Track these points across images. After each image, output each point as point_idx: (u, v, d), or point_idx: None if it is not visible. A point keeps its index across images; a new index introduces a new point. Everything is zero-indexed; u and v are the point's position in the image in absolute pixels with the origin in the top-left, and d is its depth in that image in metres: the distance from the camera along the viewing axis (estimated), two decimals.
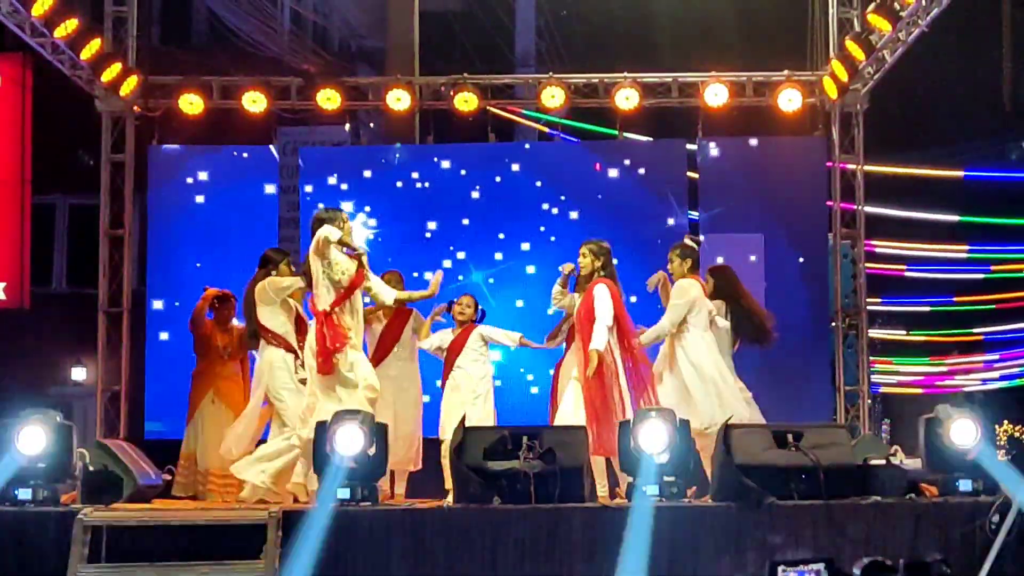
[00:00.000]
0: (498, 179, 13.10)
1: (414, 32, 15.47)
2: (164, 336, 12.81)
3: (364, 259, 9.00)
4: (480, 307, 10.31)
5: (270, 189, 13.21)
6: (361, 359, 8.91)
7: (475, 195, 13.07)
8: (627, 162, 13.09)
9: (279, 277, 9.55)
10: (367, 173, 13.18)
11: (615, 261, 9.49)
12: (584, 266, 9.24)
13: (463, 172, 13.14)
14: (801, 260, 12.85)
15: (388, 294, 9.39)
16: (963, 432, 7.78)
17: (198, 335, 10.79)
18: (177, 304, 12.66)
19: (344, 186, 13.14)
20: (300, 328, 9.44)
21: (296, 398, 9.18)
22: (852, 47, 12.12)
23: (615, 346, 8.98)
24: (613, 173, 13.04)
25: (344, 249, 8.91)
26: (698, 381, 9.25)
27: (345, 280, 8.83)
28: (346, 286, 8.83)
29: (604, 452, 8.71)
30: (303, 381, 9.11)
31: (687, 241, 9.91)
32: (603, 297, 8.94)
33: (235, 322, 10.82)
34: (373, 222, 13.02)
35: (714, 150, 13.08)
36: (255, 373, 9.56)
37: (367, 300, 9.34)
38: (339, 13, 20.71)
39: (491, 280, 12.87)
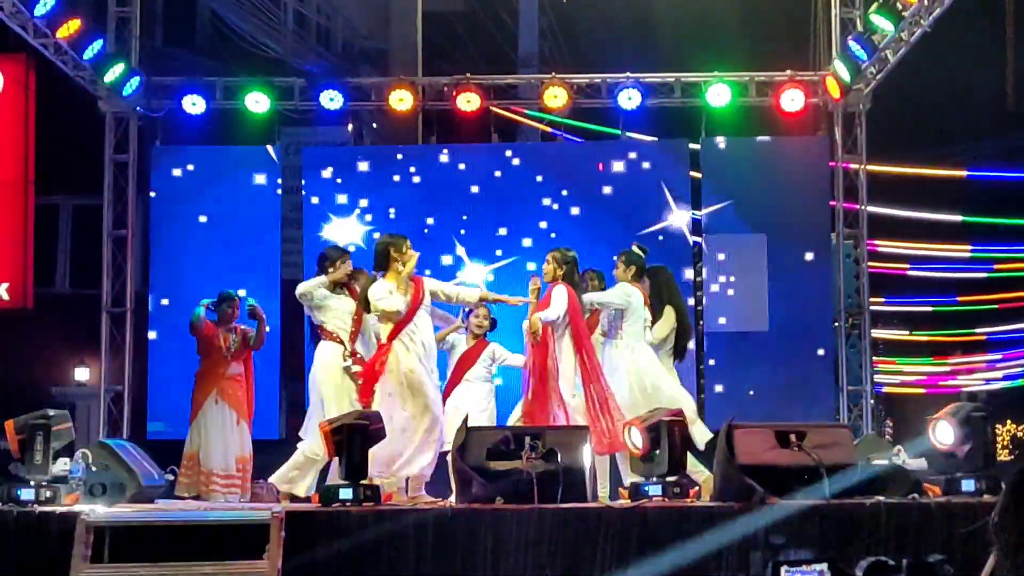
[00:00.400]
0: (498, 174, 13.10)
1: (417, 33, 15.48)
2: (167, 336, 12.80)
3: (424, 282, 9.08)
4: (493, 318, 10.26)
5: (273, 189, 13.21)
6: (391, 394, 8.87)
7: (474, 190, 13.07)
8: (630, 159, 13.10)
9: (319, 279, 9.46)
10: (369, 172, 13.18)
11: (634, 261, 9.56)
12: (547, 272, 9.31)
13: (462, 166, 13.14)
14: (804, 260, 12.85)
15: (471, 294, 9.42)
16: (944, 433, 7.86)
17: (200, 337, 10.78)
18: (176, 304, 12.66)
19: (345, 184, 13.15)
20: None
21: (339, 394, 9.14)
22: (855, 47, 12.12)
23: (568, 352, 9.04)
24: (615, 170, 13.05)
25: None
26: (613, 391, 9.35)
27: (404, 310, 8.88)
28: (405, 315, 8.87)
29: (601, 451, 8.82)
30: (347, 370, 9.12)
31: (634, 248, 9.90)
32: (559, 296, 9.04)
33: (238, 322, 10.83)
34: (369, 217, 13.02)
35: (717, 150, 13.07)
36: (312, 367, 9.50)
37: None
38: (342, 14, 20.71)
39: (490, 277, 12.86)
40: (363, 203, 13.08)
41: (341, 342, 9.27)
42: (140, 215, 13.58)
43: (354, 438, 7.77)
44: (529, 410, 9.11)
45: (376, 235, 12.56)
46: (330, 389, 9.15)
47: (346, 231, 12.95)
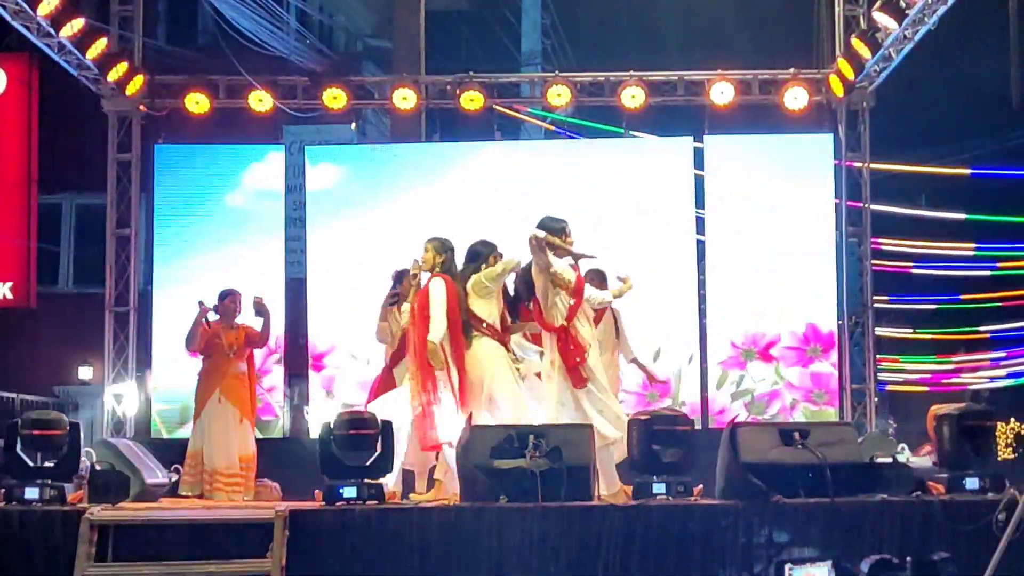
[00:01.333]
0: (500, 170, 13.07)
1: (420, 31, 15.47)
2: (170, 335, 12.78)
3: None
4: None
5: (276, 188, 13.22)
6: (598, 368, 8.85)
7: (476, 186, 13.03)
8: (633, 157, 13.09)
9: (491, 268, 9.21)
10: (372, 171, 13.18)
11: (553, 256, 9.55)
12: (426, 260, 9.21)
13: (463, 163, 13.11)
14: (807, 258, 12.82)
15: (604, 294, 9.37)
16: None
17: (202, 344, 10.68)
18: (180, 303, 12.64)
19: (350, 184, 13.15)
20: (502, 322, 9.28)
21: (514, 387, 8.95)
22: (858, 45, 12.11)
23: (446, 344, 8.98)
24: (618, 168, 13.03)
25: (566, 258, 8.87)
26: None
27: (570, 289, 8.79)
28: (573, 296, 8.79)
29: (431, 447, 8.77)
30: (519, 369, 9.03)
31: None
32: (438, 292, 8.94)
33: (240, 320, 10.81)
34: (369, 213, 12.97)
35: (720, 148, 13.05)
36: (468, 362, 9.17)
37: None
38: (345, 12, 20.71)
39: None
40: (364, 200, 13.05)
41: (503, 340, 9.04)
42: (143, 214, 13.59)
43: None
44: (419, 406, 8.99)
45: (382, 236, 12.60)
46: (511, 384, 8.95)
47: (348, 228, 12.95)
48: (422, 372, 8.83)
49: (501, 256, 9.20)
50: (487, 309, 9.06)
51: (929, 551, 7.10)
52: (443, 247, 9.20)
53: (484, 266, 9.18)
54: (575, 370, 8.66)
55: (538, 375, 9.17)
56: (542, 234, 8.80)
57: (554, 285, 8.81)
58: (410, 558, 7.28)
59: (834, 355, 12.75)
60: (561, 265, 8.86)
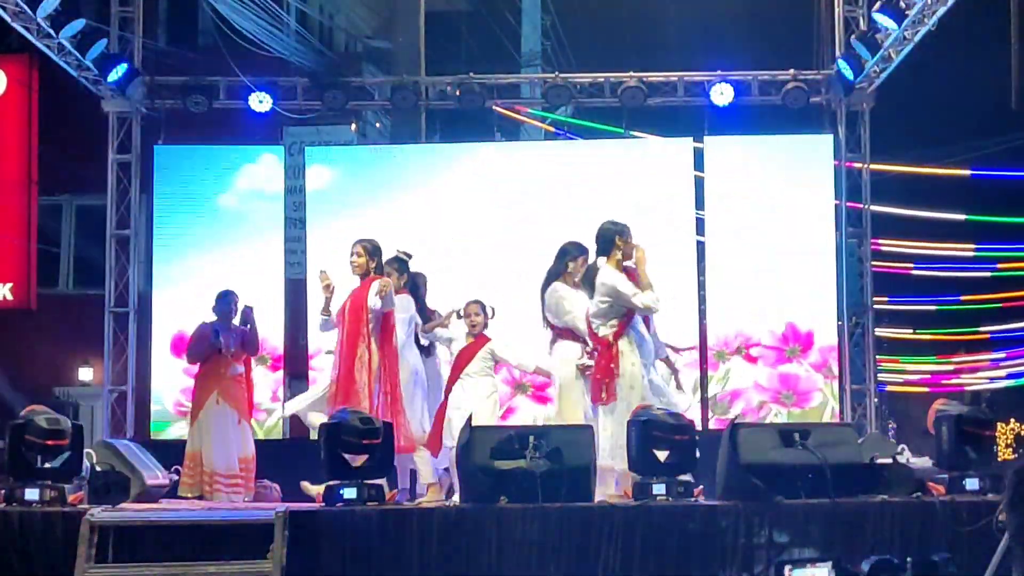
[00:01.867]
0: (500, 171, 13.06)
1: (420, 32, 15.48)
2: (169, 336, 12.79)
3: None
4: (491, 307, 9.86)
5: (276, 189, 13.22)
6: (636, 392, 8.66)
7: (477, 187, 13.02)
8: (632, 158, 13.09)
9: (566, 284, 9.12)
10: (372, 171, 13.18)
11: (405, 269, 9.64)
12: (359, 265, 9.25)
13: (463, 164, 13.11)
14: (807, 259, 12.82)
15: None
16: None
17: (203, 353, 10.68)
18: (179, 304, 12.64)
19: (350, 185, 13.15)
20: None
21: (579, 394, 8.91)
22: (858, 46, 12.12)
23: (375, 344, 8.99)
24: (618, 169, 13.02)
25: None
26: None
27: (624, 305, 8.62)
28: (626, 312, 8.60)
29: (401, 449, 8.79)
30: (585, 368, 8.91)
31: (399, 254, 9.84)
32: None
33: (237, 322, 10.79)
34: (370, 215, 12.95)
35: (720, 149, 13.05)
36: (553, 367, 9.26)
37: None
38: (345, 13, 20.70)
39: (492, 276, 12.78)
40: (365, 202, 13.05)
41: (581, 340, 8.98)
42: (143, 215, 13.58)
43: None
44: (332, 395, 9.06)
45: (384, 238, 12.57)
46: (575, 391, 8.94)
47: (348, 228, 12.93)
48: (349, 383, 8.92)
49: (585, 261, 9.09)
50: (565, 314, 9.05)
51: (929, 551, 7.09)
52: (375, 250, 9.28)
53: (571, 264, 9.14)
54: (597, 384, 8.63)
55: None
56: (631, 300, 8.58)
57: (612, 303, 8.68)
58: (410, 559, 7.28)
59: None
60: (626, 287, 8.62)
